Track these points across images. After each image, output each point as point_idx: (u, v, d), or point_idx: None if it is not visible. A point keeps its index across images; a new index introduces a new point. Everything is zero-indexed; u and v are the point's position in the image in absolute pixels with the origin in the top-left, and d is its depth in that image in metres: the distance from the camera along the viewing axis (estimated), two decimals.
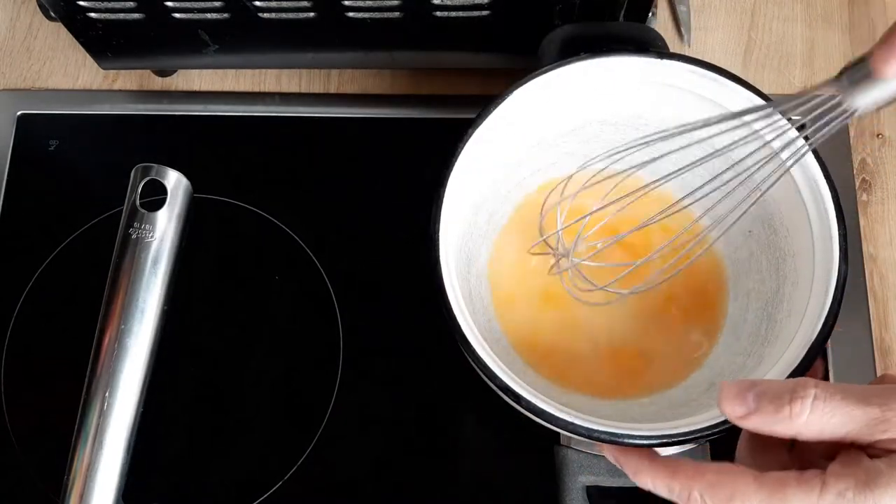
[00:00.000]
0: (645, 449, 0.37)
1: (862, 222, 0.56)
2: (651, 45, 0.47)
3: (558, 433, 0.41)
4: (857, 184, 0.57)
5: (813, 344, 0.39)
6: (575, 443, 0.43)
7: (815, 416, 0.31)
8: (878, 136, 0.58)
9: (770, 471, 0.33)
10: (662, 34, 0.49)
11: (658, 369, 0.47)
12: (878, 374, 0.53)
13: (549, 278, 0.49)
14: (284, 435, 0.52)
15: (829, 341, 0.51)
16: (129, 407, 0.44)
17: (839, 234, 0.41)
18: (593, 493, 0.43)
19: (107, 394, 0.44)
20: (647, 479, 0.35)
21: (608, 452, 0.38)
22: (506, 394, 0.39)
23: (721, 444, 0.39)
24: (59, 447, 0.43)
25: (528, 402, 0.38)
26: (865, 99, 0.37)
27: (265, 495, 0.50)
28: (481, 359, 0.39)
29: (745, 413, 0.33)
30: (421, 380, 0.53)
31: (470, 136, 0.43)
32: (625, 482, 0.42)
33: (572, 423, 0.38)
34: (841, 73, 0.38)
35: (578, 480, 0.43)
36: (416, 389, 0.53)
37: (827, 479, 0.31)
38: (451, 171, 0.42)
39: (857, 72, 0.37)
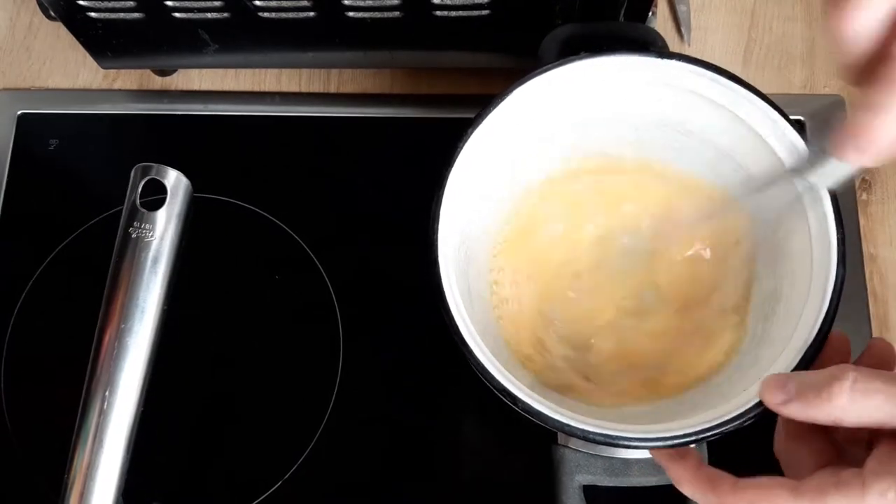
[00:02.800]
0: (691, 458, 0.37)
1: (862, 222, 0.56)
2: (651, 45, 0.47)
3: (556, 432, 0.41)
4: (857, 183, 0.57)
5: (808, 348, 0.39)
6: (573, 442, 0.43)
7: (855, 399, 0.31)
8: None
9: (809, 462, 0.33)
10: (662, 34, 0.49)
11: (657, 371, 0.47)
12: None
13: (549, 277, 0.49)
14: (284, 435, 0.52)
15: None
16: (129, 407, 0.44)
17: (837, 239, 0.40)
18: (590, 492, 0.43)
19: (107, 393, 0.44)
20: (688, 488, 0.36)
21: (658, 456, 0.38)
22: (502, 394, 0.39)
23: (718, 445, 0.39)
24: (59, 447, 0.43)
25: (525, 404, 0.38)
26: (826, 178, 0.39)
27: (265, 495, 0.50)
28: (478, 359, 0.39)
29: (784, 399, 0.33)
30: (420, 379, 0.53)
31: (470, 135, 0.43)
32: (622, 481, 0.42)
33: (568, 425, 0.38)
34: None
35: (576, 479, 0.43)
36: (416, 389, 0.53)
37: (866, 480, 0.30)
38: (450, 170, 0.42)
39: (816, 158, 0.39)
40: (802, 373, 0.34)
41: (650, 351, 0.47)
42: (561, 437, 0.43)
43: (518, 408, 0.38)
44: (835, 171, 0.38)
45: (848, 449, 0.34)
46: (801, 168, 0.41)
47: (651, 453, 0.39)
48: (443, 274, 0.41)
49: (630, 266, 0.49)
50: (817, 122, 0.57)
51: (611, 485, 0.42)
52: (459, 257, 0.44)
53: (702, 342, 0.47)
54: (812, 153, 0.40)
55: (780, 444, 0.36)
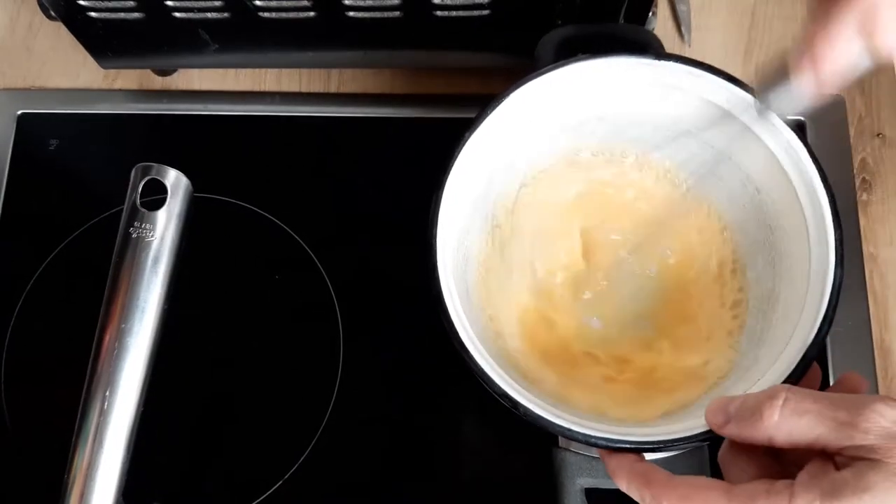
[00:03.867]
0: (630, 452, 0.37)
1: (862, 222, 0.56)
2: (648, 47, 0.47)
3: (556, 435, 0.41)
4: (858, 183, 0.57)
5: (808, 348, 0.39)
6: (574, 445, 0.42)
7: (785, 418, 0.32)
8: (878, 135, 0.58)
9: (751, 478, 0.34)
10: (662, 34, 0.49)
11: (657, 372, 0.46)
12: (879, 373, 0.53)
13: (546, 278, 0.49)
14: (284, 435, 0.51)
15: (828, 341, 0.52)
16: (129, 407, 0.44)
17: (835, 240, 0.40)
18: (592, 495, 0.43)
19: (107, 393, 0.44)
20: (623, 482, 0.37)
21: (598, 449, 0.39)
22: (503, 399, 0.39)
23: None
24: (59, 447, 0.43)
25: (525, 409, 0.38)
26: (784, 106, 0.40)
27: (265, 495, 0.50)
28: (478, 364, 0.39)
29: (724, 420, 0.34)
30: (421, 380, 0.53)
31: (467, 139, 0.43)
32: None
33: (569, 429, 0.38)
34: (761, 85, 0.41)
35: (577, 483, 0.43)
36: (416, 390, 0.53)
37: (795, 490, 0.31)
38: (448, 174, 0.42)
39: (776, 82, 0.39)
40: (744, 395, 0.35)
41: (646, 347, 0.47)
42: (562, 441, 0.43)
43: (519, 412, 0.38)
44: (791, 97, 0.39)
45: (793, 471, 0.34)
46: (759, 98, 0.41)
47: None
48: (442, 279, 0.41)
49: (626, 265, 0.49)
50: (817, 121, 0.57)
51: (613, 488, 0.42)
52: (458, 259, 0.44)
53: (698, 335, 0.47)
54: (765, 81, 0.41)
55: (725, 452, 0.36)
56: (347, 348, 0.53)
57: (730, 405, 0.34)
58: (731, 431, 0.34)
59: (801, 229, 0.42)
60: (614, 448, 0.38)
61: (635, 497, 0.36)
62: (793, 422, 0.32)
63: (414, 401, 0.53)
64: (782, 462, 0.35)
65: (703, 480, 0.34)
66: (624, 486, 0.36)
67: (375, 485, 0.51)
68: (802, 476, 0.32)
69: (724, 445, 0.37)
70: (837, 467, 0.31)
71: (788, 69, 0.37)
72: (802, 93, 0.38)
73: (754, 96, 0.42)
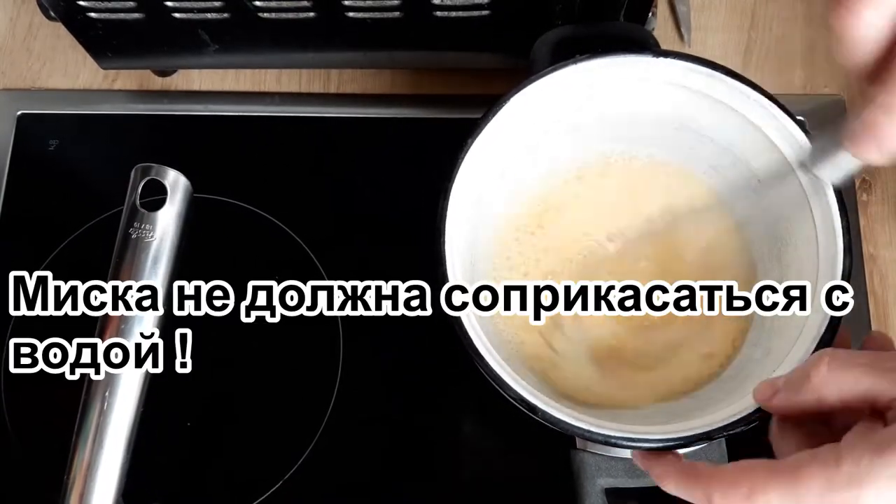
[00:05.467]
0: (669, 454, 0.37)
1: (862, 222, 0.56)
2: (644, 45, 0.47)
3: (573, 437, 0.41)
4: (858, 184, 0.57)
5: (822, 338, 0.39)
6: (591, 446, 0.42)
7: (833, 371, 0.32)
8: None
9: (805, 449, 0.33)
10: (662, 34, 0.49)
11: (669, 369, 0.46)
12: None
13: (551, 278, 0.49)
14: (284, 435, 0.52)
15: None
16: (129, 407, 0.44)
17: (842, 227, 0.40)
18: (613, 494, 0.42)
19: (107, 393, 0.44)
20: (671, 485, 0.36)
21: (638, 459, 0.39)
22: (520, 404, 0.38)
23: (738, 441, 0.39)
24: (59, 447, 0.43)
25: (545, 413, 0.38)
26: (834, 171, 0.39)
27: (265, 495, 0.50)
28: (494, 371, 0.39)
29: (772, 393, 0.35)
30: (420, 379, 0.53)
31: (469, 146, 0.43)
32: (643, 482, 0.42)
33: (589, 431, 0.38)
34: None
35: (597, 483, 0.42)
36: (416, 390, 0.53)
37: (842, 450, 0.31)
38: (452, 183, 0.42)
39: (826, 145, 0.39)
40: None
41: (657, 346, 0.47)
42: (579, 442, 0.43)
43: (538, 417, 0.38)
44: (844, 165, 0.38)
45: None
46: (809, 163, 0.41)
47: (632, 456, 0.39)
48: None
49: (632, 264, 0.49)
50: (817, 121, 0.57)
51: (633, 486, 0.42)
52: (465, 264, 0.44)
53: (707, 334, 0.47)
54: (820, 147, 0.40)
55: (775, 432, 0.36)
56: (347, 348, 0.53)
57: (777, 381, 0.35)
58: (780, 401, 0.35)
59: (806, 218, 0.42)
60: (635, 447, 0.38)
61: (686, 497, 0.35)
62: (841, 375, 0.32)
63: (414, 401, 0.53)
64: (834, 432, 0.34)
65: (748, 462, 0.33)
66: (672, 489, 0.36)
67: (375, 485, 0.51)
68: (849, 436, 0.31)
69: (773, 426, 0.36)
70: (887, 424, 0.31)
71: (843, 142, 0.36)
72: (855, 163, 0.37)
73: (805, 168, 0.42)
